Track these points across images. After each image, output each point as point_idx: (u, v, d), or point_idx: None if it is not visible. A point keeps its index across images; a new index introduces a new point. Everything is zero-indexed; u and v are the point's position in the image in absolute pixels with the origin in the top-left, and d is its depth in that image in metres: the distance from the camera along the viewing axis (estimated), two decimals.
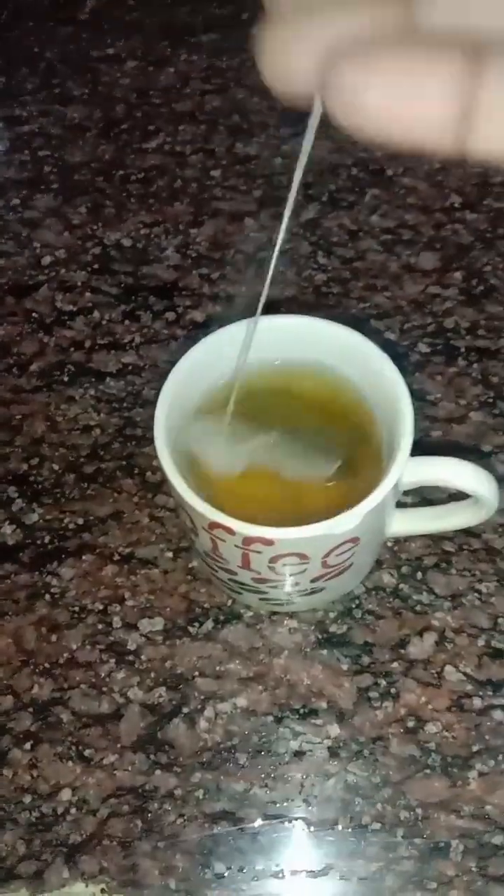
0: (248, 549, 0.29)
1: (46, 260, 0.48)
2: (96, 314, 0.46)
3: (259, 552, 0.30)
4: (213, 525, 0.29)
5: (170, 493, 0.40)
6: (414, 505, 0.38)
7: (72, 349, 0.45)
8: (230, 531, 0.29)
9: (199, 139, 0.53)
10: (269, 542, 0.29)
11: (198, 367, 0.33)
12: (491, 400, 0.42)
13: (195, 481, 0.32)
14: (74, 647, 0.37)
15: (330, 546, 0.30)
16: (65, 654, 0.37)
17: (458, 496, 0.33)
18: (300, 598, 0.35)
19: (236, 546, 0.30)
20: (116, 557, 0.39)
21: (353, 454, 0.34)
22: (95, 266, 0.48)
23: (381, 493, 0.29)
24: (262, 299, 0.29)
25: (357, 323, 0.44)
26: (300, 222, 0.49)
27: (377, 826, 0.33)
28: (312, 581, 0.32)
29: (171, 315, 0.46)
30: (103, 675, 0.36)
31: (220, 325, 0.34)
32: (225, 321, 0.34)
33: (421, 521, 0.35)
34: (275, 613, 0.37)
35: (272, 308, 0.45)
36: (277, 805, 0.33)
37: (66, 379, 0.44)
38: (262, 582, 0.32)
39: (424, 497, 0.38)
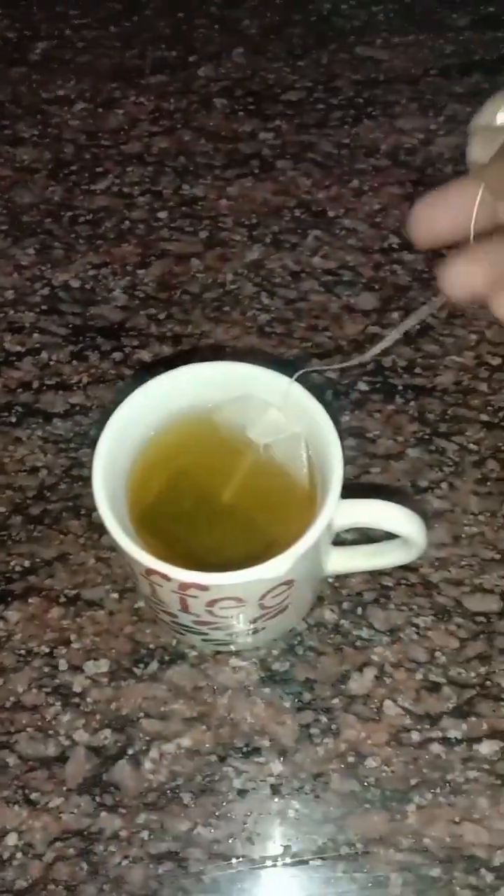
0: (185, 594, 0.30)
1: None
2: (44, 355, 0.47)
3: (195, 597, 0.30)
4: (150, 571, 0.30)
5: None
6: (353, 542, 0.39)
7: (19, 390, 0.45)
8: (166, 577, 0.29)
9: (147, 181, 0.54)
10: (203, 588, 0.30)
11: (136, 413, 0.34)
12: (427, 436, 0.43)
13: (135, 521, 0.33)
14: (20, 690, 0.37)
15: (264, 589, 0.31)
16: (11, 698, 0.37)
17: (391, 534, 0.34)
18: (241, 637, 0.35)
19: (173, 591, 0.30)
20: (62, 599, 0.39)
21: (290, 496, 0.35)
22: (44, 307, 0.49)
23: (312, 537, 0.30)
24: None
25: (298, 362, 0.45)
26: (244, 263, 0.50)
27: (319, 862, 0.33)
28: (251, 622, 0.33)
29: (118, 355, 0.47)
30: (49, 718, 0.36)
31: (169, 367, 0.35)
32: (173, 362, 0.35)
33: (357, 559, 0.36)
34: (219, 652, 0.38)
35: (218, 348, 0.47)
36: (221, 844, 0.34)
37: (13, 420, 0.44)
38: (203, 624, 0.33)
39: (364, 533, 0.39)
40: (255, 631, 0.35)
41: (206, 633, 0.34)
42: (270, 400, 0.35)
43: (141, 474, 0.35)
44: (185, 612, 0.32)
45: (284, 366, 0.34)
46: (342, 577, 0.39)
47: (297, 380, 0.34)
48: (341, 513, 0.31)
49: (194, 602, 0.31)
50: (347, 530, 0.39)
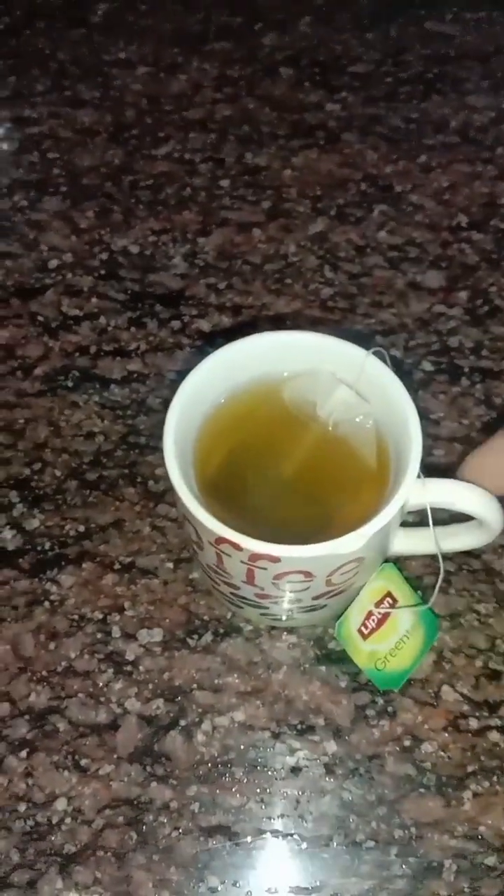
0: (254, 565, 0.30)
1: (53, 263, 0.48)
2: (102, 320, 0.46)
3: (264, 569, 0.30)
4: (220, 540, 0.29)
5: (172, 503, 0.40)
6: (416, 524, 0.38)
7: (77, 354, 0.45)
8: (237, 547, 0.29)
9: (209, 148, 0.53)
10: (275, 560, 0.29)
11: (207, 379, 0.33)
12: (493, 421, 0.42)
13: (200, 489, 0.32)
14: (73, 655, 0.37)
15: (335, 565, 0.30)
16: (63, 663, 0.36)
17: (460, 517, 0.33)
18: (300, 614, 0.35)
19: (242, 562, 0.30)
20: (117, 566, 0.39)
21: (358, 474, 0.34)
22: (102, 272, 0.48)
23: (388, 515, 0.29)
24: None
25: (362, 339, 0.44)
26: (308, 235, 0.49)
27: (371, 844, 0.33)
28: (314, 598, 0.33)
29: (176, 324, 0.46)
30: (101, 684, 0.36)
31: (228, 337, 0.34)
32: (233, 333, 0.34)
33: (424, 541, 0.35)
34: (274, 628, 0.37)
35: (279, 320, 0.46)
36: (273, 820, 0.33)
37: (70, 384, 0.44)
38: (265, 598, 0.32)
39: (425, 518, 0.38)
40: (315, 608, 0.34)
41: (266, 608, 0.34)
42: (343, 373, 0.34)
43: (207, 442, 0.34)
44: (250, 585, 0.31)
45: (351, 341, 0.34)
46: (402, 559, 0.38)
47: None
48: (418, 492, 0.30)
49: (262, 574, 0.30)
50: (410, 512, 0.38)
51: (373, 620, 0.34)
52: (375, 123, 0.54)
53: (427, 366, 0.44)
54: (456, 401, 0.43)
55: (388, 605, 0.34)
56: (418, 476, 0.31)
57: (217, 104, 0.55)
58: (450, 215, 0.49)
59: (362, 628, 0.34)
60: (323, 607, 0.34)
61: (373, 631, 0.34)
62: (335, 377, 0.34)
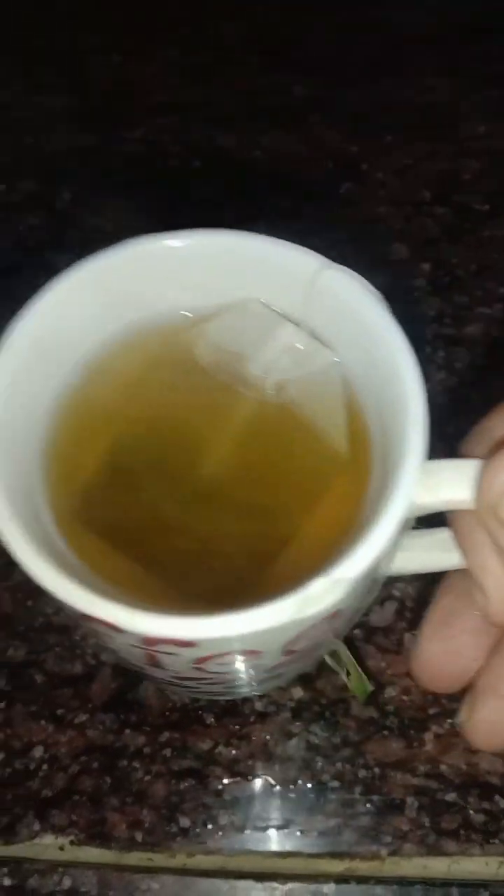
0: (155, 650, 0.19)
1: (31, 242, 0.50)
2: None
3: (173, 654, 0.19)
4: (86, 618, 0.18)
5: None
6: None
7: None
8: (114, 628, 0.18)
9: (177, 131, 0.55)
10: (187, 644, 0.18)
11: (52, 330, 0.21)
12: (454, 385, 0.43)
13: (68, 514, 0.21)
14: (50, 611, 0.38)
15: (291, 634, 0.19)
16: (40, 619, 0.38)
17: None
18: (248, 688, 0.27)
19: (133, 646, 0.19)
20: None
21: (321, 461, 0.23)
22: (78, 250, 0.49)
23: (379, 540, 0.18)
24: None
25: None
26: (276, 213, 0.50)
27: (336, 784, 0.34)
28: (268, 671, 0.23)
29: None
30: (77, 638, 0.37)
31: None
32: None
33: (434, 550, 0.23)
34: None
35: None
36: (241, 763, 0.35)
37: None
38: (189, 679, 0.23)
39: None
40: (272, 678, 0.25)
41: (196, 688, 0.25)
42: (286, 307, 0.22)
43: (68, 436, 0.22)
44: (157, 668, 0.21)
45: None
46: None
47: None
48: (428, 487, 0.19)
49: (173, 660, 0.20)
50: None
51: None
52: (338, 104, 0.55)
53: None
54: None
55: None
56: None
57: (183, 89, 0.57)
58: (412, 191, 0.51)
59: None
60: (279, 676, 0.25)
61: None
62: (271, 310, 0.22)
